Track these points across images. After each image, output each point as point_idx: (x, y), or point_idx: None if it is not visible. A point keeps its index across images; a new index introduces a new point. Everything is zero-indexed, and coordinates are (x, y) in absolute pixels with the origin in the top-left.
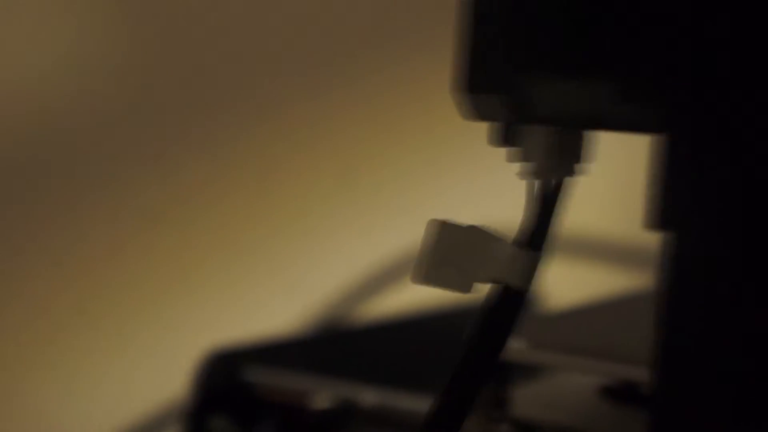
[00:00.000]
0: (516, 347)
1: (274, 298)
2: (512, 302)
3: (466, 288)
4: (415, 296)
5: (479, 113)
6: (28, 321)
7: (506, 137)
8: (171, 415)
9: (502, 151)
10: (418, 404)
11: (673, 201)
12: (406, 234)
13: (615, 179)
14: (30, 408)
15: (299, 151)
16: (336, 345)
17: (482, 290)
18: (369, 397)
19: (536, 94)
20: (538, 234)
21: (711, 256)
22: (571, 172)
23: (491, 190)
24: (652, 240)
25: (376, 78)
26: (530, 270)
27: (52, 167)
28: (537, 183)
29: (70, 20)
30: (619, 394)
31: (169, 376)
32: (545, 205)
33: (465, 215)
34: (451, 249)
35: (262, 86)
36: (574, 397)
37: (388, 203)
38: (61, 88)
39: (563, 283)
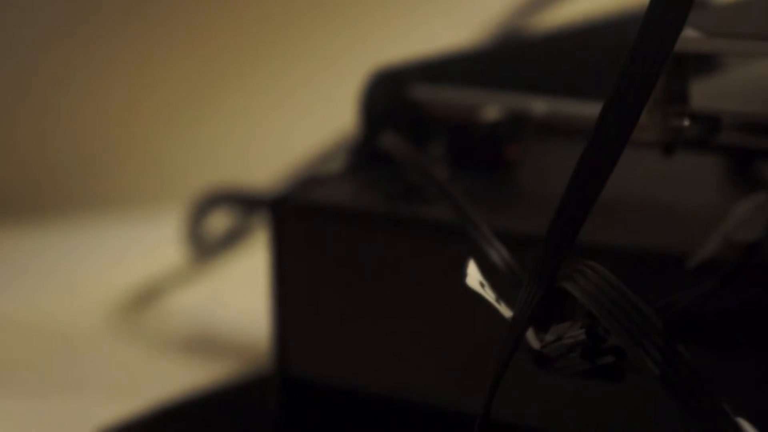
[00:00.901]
0: (690, 36)
1: (438, 17)
2: None
3: None
4: (582, 7)
5: None
6: (217, 61)
7: None
8: (342, 145)
9: None
10: (589, 110)
11: None
12: None
13: None
14: (209, 142)
15: None
16: (504, 58)
17: None
18: (539, 106)
19: None
20: None
21: None
22: None
23: None
24: None
25: None
26: None
27: None
28: None
29: None
30: None
31: (338, 105)
32: None
33: None
34: None
35: None
36: (756, 85)
37: None
38: None
39: None
